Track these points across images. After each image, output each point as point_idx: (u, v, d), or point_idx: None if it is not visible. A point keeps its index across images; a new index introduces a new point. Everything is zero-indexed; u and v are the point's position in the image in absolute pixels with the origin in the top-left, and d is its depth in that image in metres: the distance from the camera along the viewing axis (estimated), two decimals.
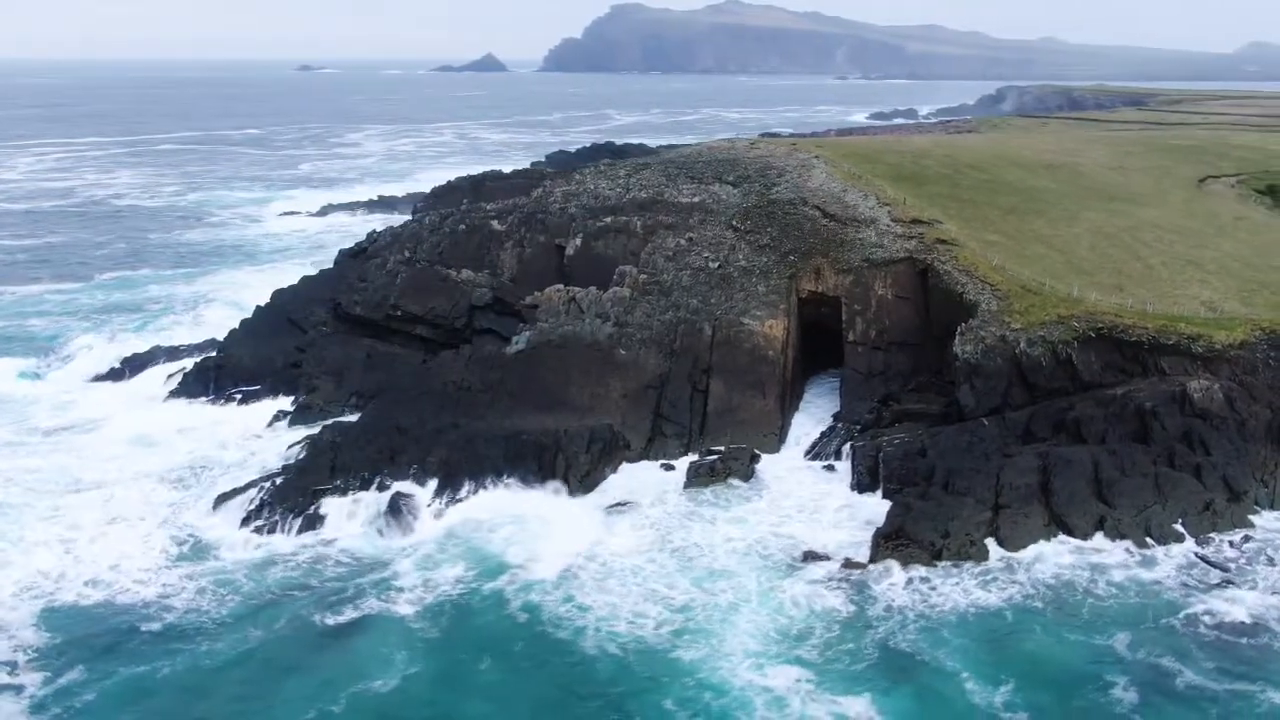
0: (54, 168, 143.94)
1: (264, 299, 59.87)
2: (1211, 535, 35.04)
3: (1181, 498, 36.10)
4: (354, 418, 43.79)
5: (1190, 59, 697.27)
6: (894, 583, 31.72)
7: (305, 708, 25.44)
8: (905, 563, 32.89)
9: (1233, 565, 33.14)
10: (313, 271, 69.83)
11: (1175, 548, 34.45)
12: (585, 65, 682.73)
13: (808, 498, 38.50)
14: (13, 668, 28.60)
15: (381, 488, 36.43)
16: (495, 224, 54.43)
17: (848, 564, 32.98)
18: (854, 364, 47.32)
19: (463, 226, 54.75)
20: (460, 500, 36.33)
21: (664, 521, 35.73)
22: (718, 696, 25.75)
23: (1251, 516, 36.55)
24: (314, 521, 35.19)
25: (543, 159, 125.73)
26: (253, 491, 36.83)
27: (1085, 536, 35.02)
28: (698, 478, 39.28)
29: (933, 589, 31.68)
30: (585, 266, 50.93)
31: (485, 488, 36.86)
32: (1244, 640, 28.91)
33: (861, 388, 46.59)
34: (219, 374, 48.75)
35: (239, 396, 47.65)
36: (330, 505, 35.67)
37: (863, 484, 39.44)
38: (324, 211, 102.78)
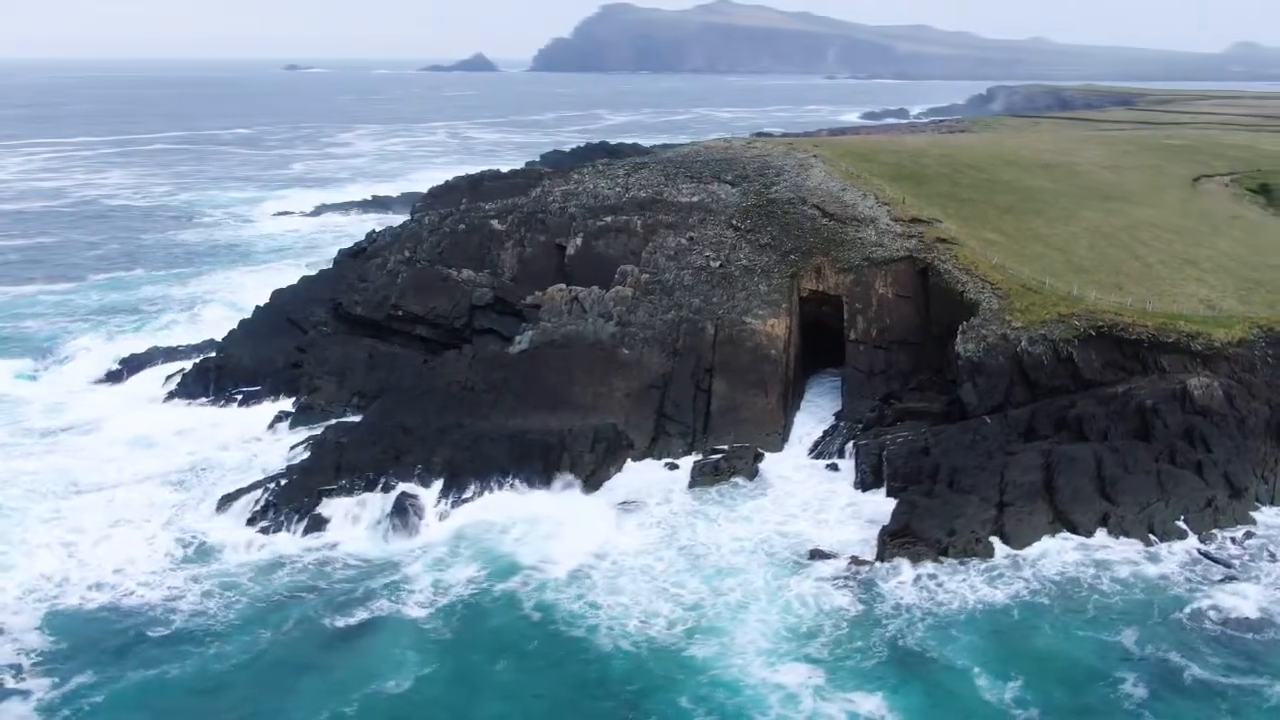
0: (43, 168, 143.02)
1: (261, 299, 59.65)
2: (1214, 532, 35.29)
3: (1184, 494, 36.35)
4: (356, 418, 43.64)
5: (1177, 59, 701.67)
6: (902, 580, 31.83)
7: (318, 709, 25.34)
8: (912, 560, 33.01)
9: (1236, 561, 33.39)
10: (309, 272, 69.70)
11: (1178, 544, 34.70)
12: (575, 65, 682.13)
13: (812, 496, 38.59)
14: (18, 671, 28.40)
15: (387, 488, 36.31)
16: (495, 223, 54.34)
17: (854, 562, 33.08)
18: (855, 363, 47.44)
19: (462, 226, 54.65)
20: (466, 500, 36.27)
21: (670, 520, 35.79)
22: (732, 695, 25.80)
23: (1253, 513, 36.85)
24: (319, 523, 35.06)
25: (537, 159, 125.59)
26: (257, 492, 36.65)
27: (1089, 533, 35.23)
28: (702, 477, 39.34)
29: (940, 586, 31.81)
30: (586, 266, 50.90)
31: (491, 488, 36.80)
32: (1250, 635, 29.14)
33: (863, 386, 46.71)
34: (219, 374, 48.52)
35: (239, 397, 47.44)
36: (335, 506, 35.55)
37: (866, 482, 39.55)
38: (318, 211, 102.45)
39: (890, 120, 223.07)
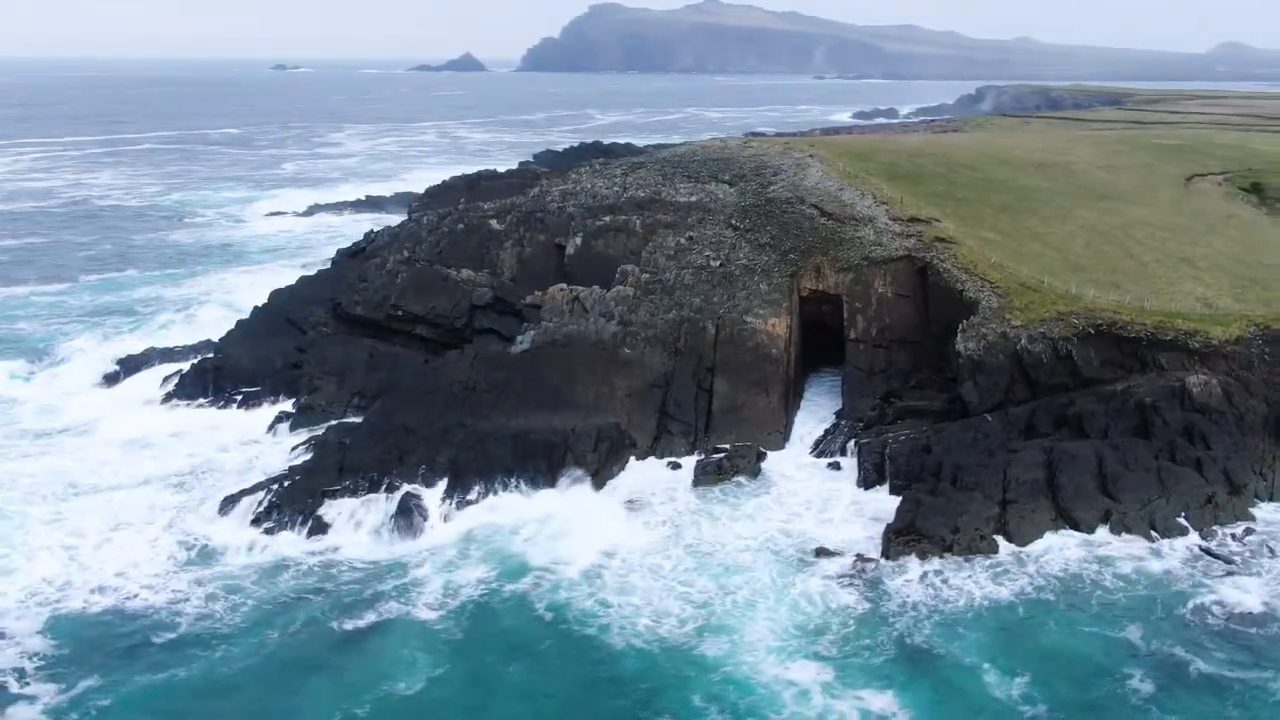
0: (31, 168, 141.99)
1: (257, 300, 59.45)
2: (1214, 528, 35.56)
3: (1184, 491, 36.64)
4: (357, 419, 43.51)
5: (1163, 59, 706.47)
6: (908, 578, 31.99)
7: (329, 711, 25.26)
8: (918, 558, 33.17)
9: (1237, 558, 33.68)
10: (304, 272, 69.54)
11: (1179, 540, 34.97)
12: (564, 65, 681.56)
13: (815, 495, 38.71)
14: (21, 675, 28.23)
15: (391, 489, 36.21)
16: (494, 223, 54.29)
17: (860, 559, 33.22)
18: (855, 361, 47.60)
19: (461, 226, 54.58)
20: (472, 501, 36.21)
21: (676, 519, 35.87)
22: (744, 693, 25.89)
23: (1252, 509, 37.14)
24: (324, 524, 34.91)
25: (530, 159, 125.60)
26: (259, 494, 36.49)
27: (1091, 530, 35.48)
28: (705, 476, 39.44)
29: (945, 583, 31.98)
30: (586, 265, 50.92)
31: (496, 488, 36.76)
32: (1253, 630, 29.40)
33: (864, 385, 46.88)
34: (217, 375, 48.30)
35: (238, 398, 47.24)
36: (340, 507, 35.42)
37: (869, 480, 39.71)
38: (310, 212, 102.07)
39: (880, 120, 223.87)
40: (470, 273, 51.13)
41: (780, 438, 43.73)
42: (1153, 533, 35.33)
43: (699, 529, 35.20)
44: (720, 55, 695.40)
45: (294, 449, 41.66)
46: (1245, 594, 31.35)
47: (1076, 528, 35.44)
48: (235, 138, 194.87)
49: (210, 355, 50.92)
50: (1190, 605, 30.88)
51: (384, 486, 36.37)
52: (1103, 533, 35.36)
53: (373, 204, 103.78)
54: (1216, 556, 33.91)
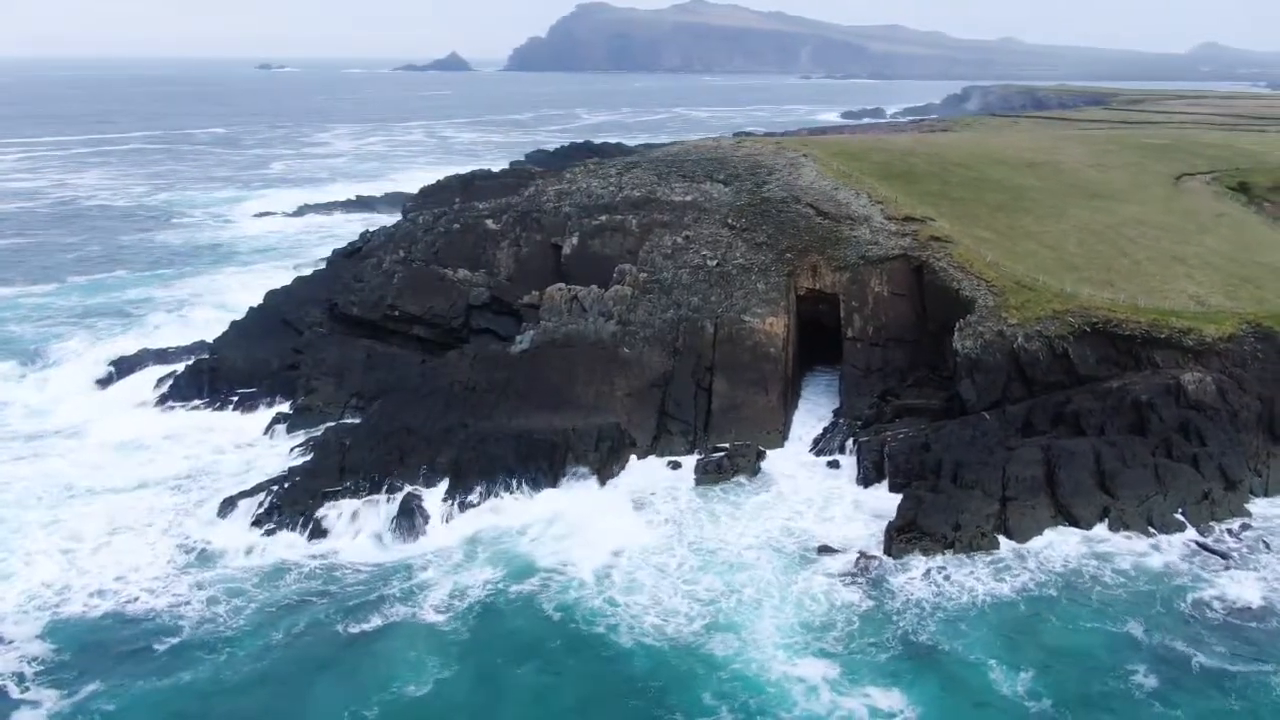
0: (15, 168, 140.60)
1: (250, 300, 59.18)
2: (1211, 524, 35.90)
3: (1181, 488, 36.95)
4: (356, 420, 43.37)
5: (1145, 59, 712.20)
6: (911, 575, 32.16)
7: (338, 713, 25.16)
8: (920, 555, 33.35)
9: (1234, 553, 33.99)
10: (295, 272, 69.32)
11: (1177, 536, 35.28)
12: (551, 64, 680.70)
13: (816, 493, 38.84)
14: (21, 680, 28.02)
15: (392, 489, 36.06)
16: (490, 223, 54.18)
17: (863, 557, 33.34)
18: (853, 360, 47.77)
19: (457, 226, 54.45)
20: (474, 502, 36.09)
21: (679, 518, 35.92)
22: (755, 691, 25.97)
23: (1247, 505, 37.51)
24: (325, 526, 34.69)
25: (522, 158, 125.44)
26: (260, 495, 36.27)
27: (1089, 526, 35.75)
28: (706, 475, 39.50)
29: (948, 580, 32.16)
30: (583, 265, 50.89)
31: (498, 488, 36.67)
32: (1253, 624, 29.71)
33: (861, 384, 47.06)
34: (213, 376, 47.98)
35: (235, 399, 46.93)
36: (342, 508, 35.23)
37: (869, 478, 39.88)
38: (300, 212, 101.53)
39: (868, 120, 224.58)
40: (467, 272, 51.02)
41: (779, 436, 43.85)
42: (1150, 529, 35.61)
43: (701, 528, 35.26)
44: (706, 55, 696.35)
45: (292, 450, 41.47)
46: (1243, 589, 31.69)
47: (1076, 524, 35.69)
48: (221, 137, 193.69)
49: (205, 356, 50.56)
50: (1190, 600, 31.18)
51: (385, 487, 36.20)
52: (1101, 529, 35.63)
53: (363, 204, 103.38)
54: (1214, 552, 34.23)
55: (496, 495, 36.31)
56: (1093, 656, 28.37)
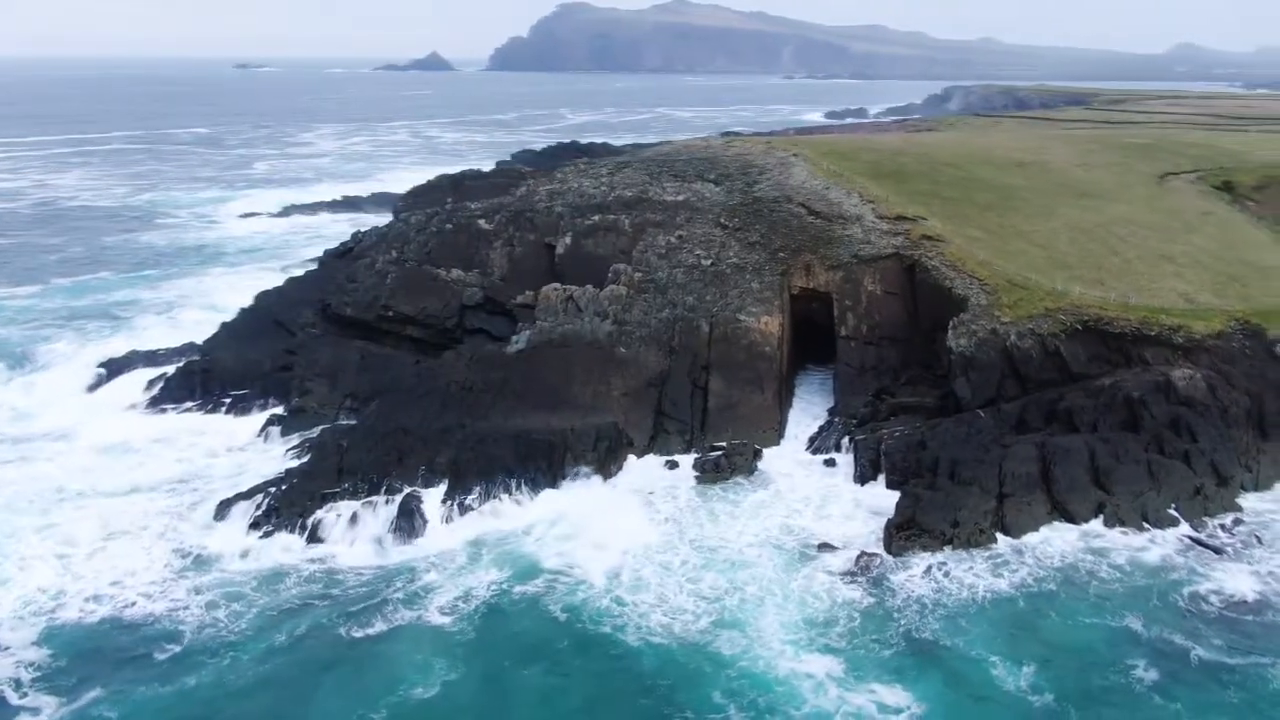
0: None
1: (238, 302, 58.85)
2: (1204, 519, 36.33)
3: (1173, 483, 37.37)
4: (350, 421, 43.15)
5: (1122, 60, 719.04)
6: (911, 572, 32.39)
7: (345, 716, 24.97)
8: (919, 552, 33.59)
9: (1228, 548, 34.42)
10: (282, 273, 69.05)
11: (1171, 531, 35.69)
12: (532, 64, 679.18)
13: (814, 491, 39.02)
14: (19, 686, 27.66)
15: (391, 491, 35.89)
16: (482, 223, 54.06)
17: (864, 554, 33.52)
18: (847, 359, 48.01)
19: (449, 226, 54.29)
20: (474, 502, 35.98)
21: (679, 517, 35.99)
22: (764, 688, 26.02)
23: (1238, 499, 37.98)
24: (324, 528, 34.48)
25: (508, 158, 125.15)
26: (257, 497, 35.99)
27: (1085, 522, 36.10)
28: (704, 474, 39.60)
29: (947, 576, 32.41)
30: (577, 265, 50.89)
31: (498, 489, 36.58)
32: (1249, 617, 30.11)
33: (855, 382, 47.30)
34: (204, 378, 47.60)
35: (227, 401, 46.59)
36: (340, 510, 35.02)
37: (865, 476, 40.09)
38: (286, 212, 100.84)
39: (851, 120, 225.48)
40: (460, 273, 50.90)
41: (775, 435, 44.01)
42: (1145, 524, 36.01)
43: (702, 526, 35.35)
44: (689, 55, 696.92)
45: (287, 451, 41.24)
46: (1238, 582, 32.10)
47: (1072, 520, 36.03)
48: (203, 137, 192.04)
49: (196, 358, 50.16)
50: (1186, 594, 31.56)
51: (384, 489, 36.03)
52: (1096, 524, 36.00)
53: (349, 204, 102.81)
54: (1207, 546, 34.66)
55: (497, 496, 36.22)
56: (1093, 651, 28.67)
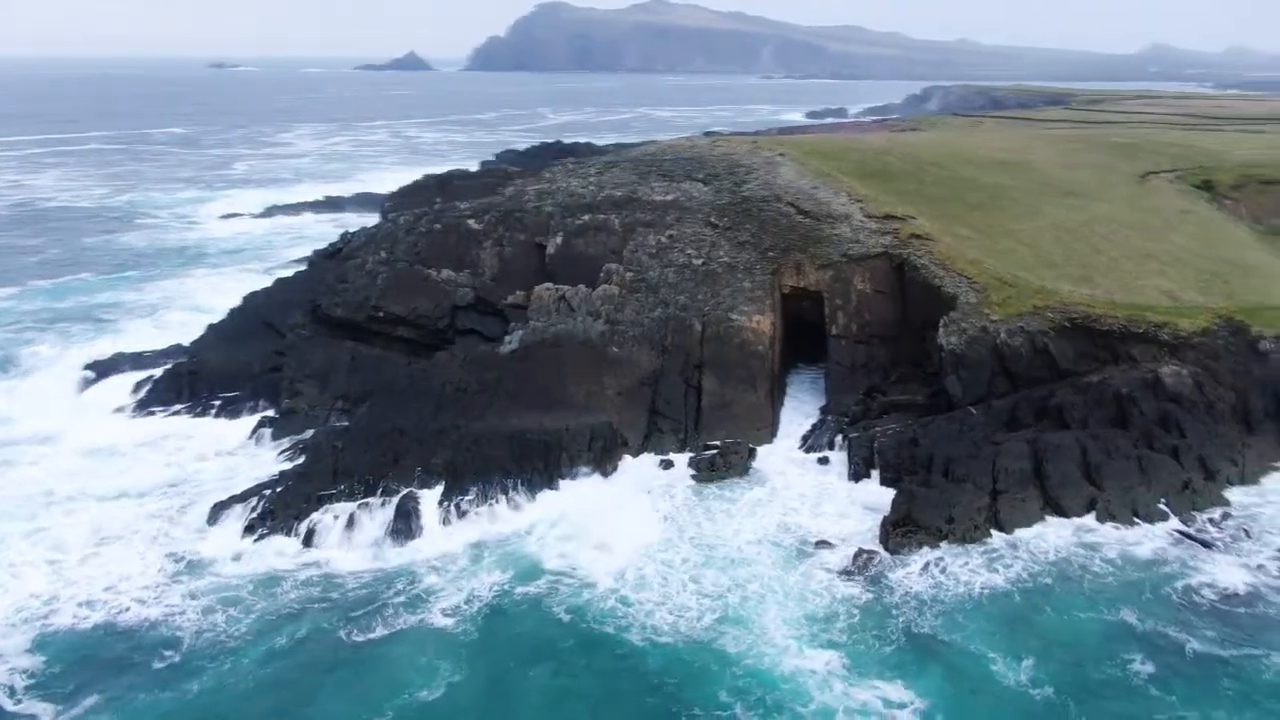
0: None
1: (223, 303, 58.36)
2: (1193, 513, 36.82)
3: (1163, 478, 37.89)
4: (343, 423, 42.85)
5: (1097, 60, 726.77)
6: (909, 569, 32.61)
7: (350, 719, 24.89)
8: (915, 548, 33.85)
9: (1218, 542, 34.92)
10: (266, 274, 68.54)
11: (1161, 525, 36.14)
12: (511, 64, 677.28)
13: (808, 489, 39.21)
14: (12, 692, 27.30)
15: (388, 492, 35.72)
16: (472, 223, 53.89)
17: (861, 551, 33.73)
18: (838, 357, 48.30)
19: (438, 226, 54.08)
20: (472, 503, 35.83)
21: (676, 515, 36.05)
22: (770, 685, 26.06)
23: (1225, 493, 38.53)
24: (321, 530, 34.23)
25: (491, 158, 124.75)
26: (252, 500, 35.68)
27: (1077, 517, 36.49)
28: (699, 472, 39.70)
29: (944, 572, 32.66)
30: (568, 265, 50.84)
31: (495, 489, 36.45)
32: (1241, 610, 30.55)
33: (846, 380, 47.60)
34: (193, 380, 47.14)
35: (216, 403, 46.13)
36: (337, 511, 34.79)
37: (859, 473, 40.31)
38: (268, 213, 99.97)
39: (831, 119, 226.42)
40: (451, 273, 50.71)
41: (769, 433, 44.19)
42: (1136, 519, 36.48)
43: (700, 525, 35.43)
44: (668, 55, 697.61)
45: (280, 453, 40.96)
46: (1229, 575, 32.57)
47: (1065, 515, 36.42)
48: (181, 138, 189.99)
49: (183, 360, 49.66)
50: (1178, 587, 31.98)
51: (380, 490, 35.86)
52: (1088, 519, 36.41)
53: (332, 205, 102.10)
54: (1197, 540, 35.14)
55: (494, 497, 36.09)
56: (1090, 644, 29.00)
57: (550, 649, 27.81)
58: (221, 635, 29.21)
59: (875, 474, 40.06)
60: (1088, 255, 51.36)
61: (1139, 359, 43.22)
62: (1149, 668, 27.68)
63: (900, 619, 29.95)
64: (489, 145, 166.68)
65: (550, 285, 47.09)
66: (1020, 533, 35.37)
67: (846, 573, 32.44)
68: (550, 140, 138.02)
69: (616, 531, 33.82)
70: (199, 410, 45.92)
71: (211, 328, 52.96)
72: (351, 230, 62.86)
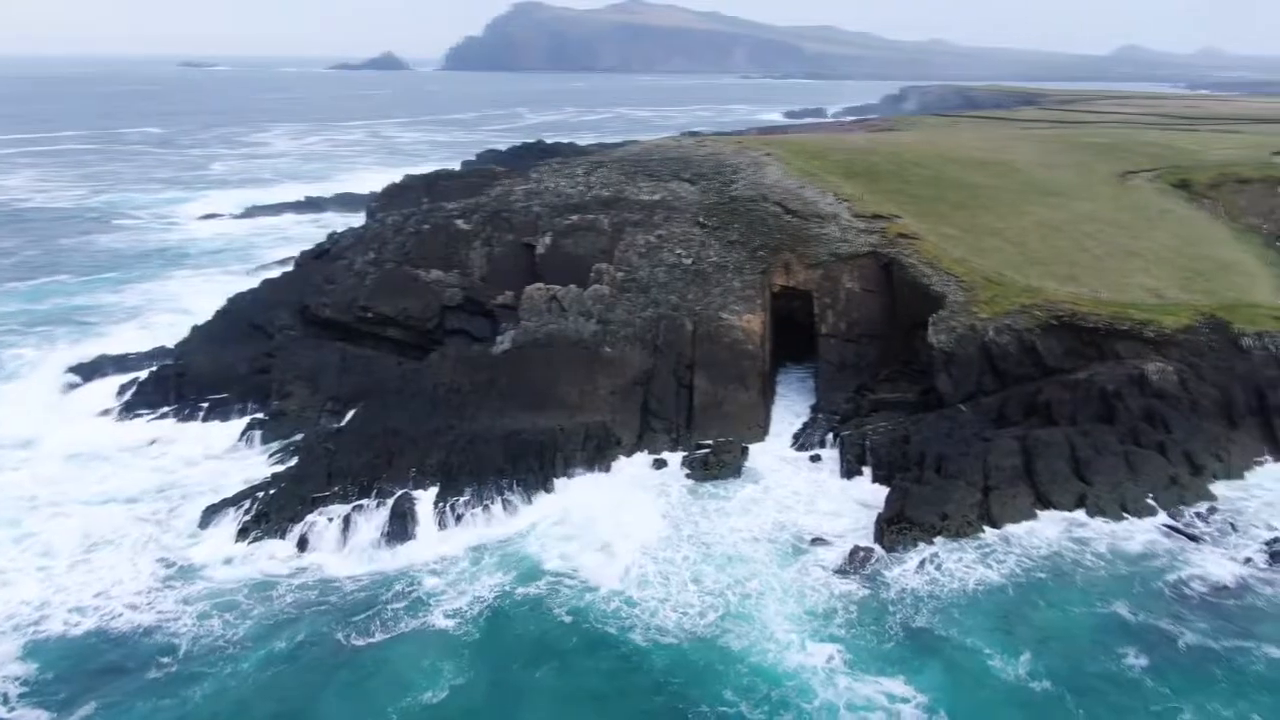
0: None
1: (207, 304, 57.75)
2: (1180, 508, 37.38)
3: (1150, 474, 38.41)
4: (333, 425, 42.58)
5: (1068, 60, 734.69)
6: (905, 566, 32.88)
7: None
8: (910, 545, 34.14)
9: (1205, 535, 35.47)
10: (250, 275, 67.99)
11: (1149, 520, 36.66)
12: (487, 64, 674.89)
13: (802, 486, 39.44)
14: (5, 700, 26.90)
15: (383, 493, 35.53)
16: (460, 223, 53.71)
17: (856, 548, 33.97)
18: (827, 356, 48.59)
19: (427, 226, 53.85)
20: (469, 503, 35.69)
21: (673, 514, 36.13)
22: (774, 681, 26.16)
23: (1211, 488, 39.13)
24: (317, 532, 33.98)
25: (473, 158, 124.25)
26: (245, 503, 35.37)
27: (1068, 512, 36.93)
28: (694, 471, 39.83)
29: (939, 568, 32.96)
30: (557, 265, 50.78)
31: (492, 490, 36.36)
32: (1230, 602, 31.07)
33: (836, 379, 47.91)
34: (179, 382, 46.63)
35: (204, 406, 45.65)
36: (332, 514, 34.57)
37: (851, 471, 40.59)
38: (249, 213, 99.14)
39: (810, 119, 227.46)
40: (440, 273, 50.53)
41: (761, 431, 44.40)
42: (1124, 514, 36.98)
43: (696, 523, 35.54)
44: (645, 55, 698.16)
45: (270, 456, 40.64)
46: (1217, 568, 33.11)
47: (1055, 511, 36.83)
48: (157, 137, 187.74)
49: (169, 362, 49.14)
50: (1168, 580, 32.46)
51: (375, 492, 35.67)
52: (1078, 515, 36.86)
53: (313, 205, 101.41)
54: (1185, 534, 35.68)
55: (490, 498, 35.96)
56: (1084, 637, 29.36)
57: (555, 649, 27.75)
58: (219, 641, 28.91)
59: (867, 471, 40.41)
60: (1072, 254, 51.97)
61: (1124, 356, 43.79)
62: (1143, 660, 28.08)
63: (898, 614, 30.21)
64: (469, 145, 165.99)
65: (541, 285, 47.04)
66: (1012, 528, 35.76)
67: (843, 569, 32.67)
68: (531, 140, 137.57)
69: (616, 531, 33.84)
70: (186, 413, 45.43)
71: (197, 329, 52.40)
72: (337, 231, 62.46)
